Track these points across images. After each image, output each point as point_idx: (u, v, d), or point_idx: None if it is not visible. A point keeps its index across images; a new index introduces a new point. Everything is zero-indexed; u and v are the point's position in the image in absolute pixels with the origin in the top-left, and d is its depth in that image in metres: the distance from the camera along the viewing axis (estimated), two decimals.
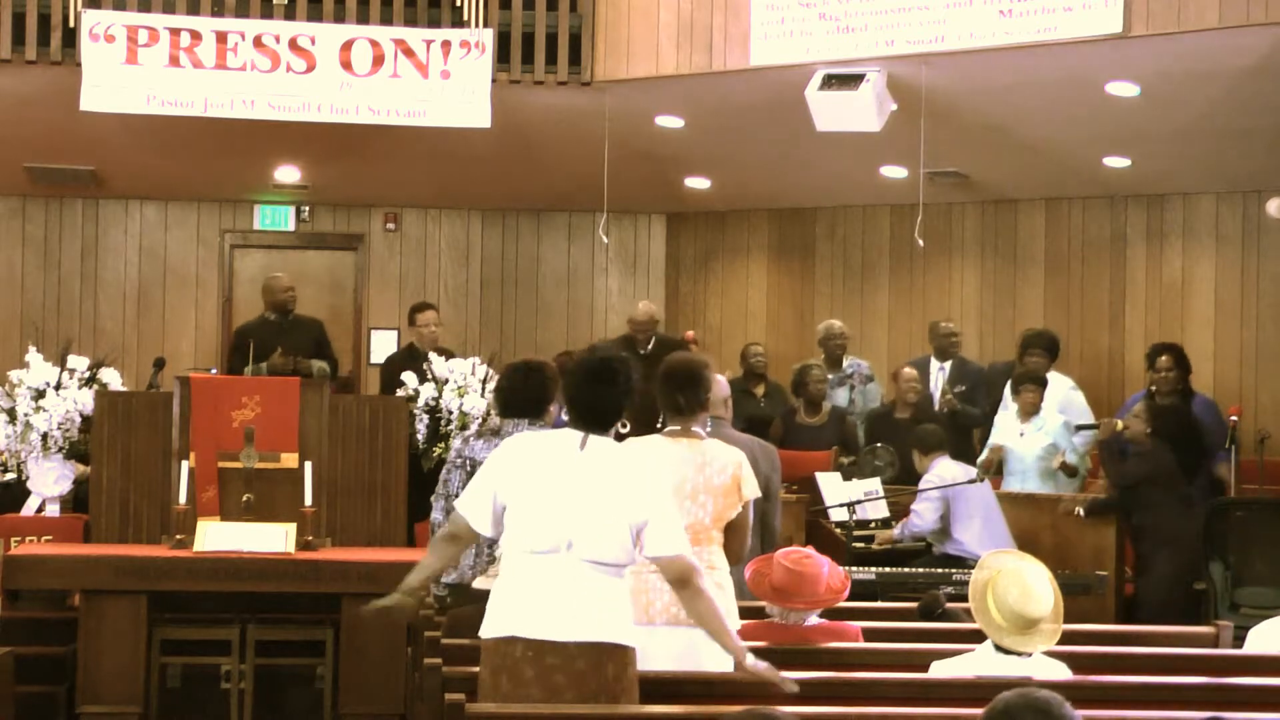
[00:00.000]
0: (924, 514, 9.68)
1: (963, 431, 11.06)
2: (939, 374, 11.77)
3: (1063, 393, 11.17)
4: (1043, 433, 10.66)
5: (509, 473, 5.02)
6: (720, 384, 7.43)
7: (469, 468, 6.73)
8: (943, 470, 9.68)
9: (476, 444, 6.80)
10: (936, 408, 11.33)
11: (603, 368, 5.11)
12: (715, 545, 5.87)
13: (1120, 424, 9.82)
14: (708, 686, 5.33)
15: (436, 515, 6.87)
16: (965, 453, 10.50)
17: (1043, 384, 10.76)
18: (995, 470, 10.70)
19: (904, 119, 10.20)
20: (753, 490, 5.94)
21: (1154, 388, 10.54)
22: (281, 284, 11.59)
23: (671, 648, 5.64)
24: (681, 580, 5.03)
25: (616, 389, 5.08)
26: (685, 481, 5.79)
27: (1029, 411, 10.65)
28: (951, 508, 9.61)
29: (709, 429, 6.73)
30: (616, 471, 5.03)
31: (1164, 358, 10.59)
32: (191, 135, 11.35)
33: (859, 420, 11.65)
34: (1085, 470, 10.79)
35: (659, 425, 6.12)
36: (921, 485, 9.73)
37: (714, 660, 5.67)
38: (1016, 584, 5.26)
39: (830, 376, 11.87)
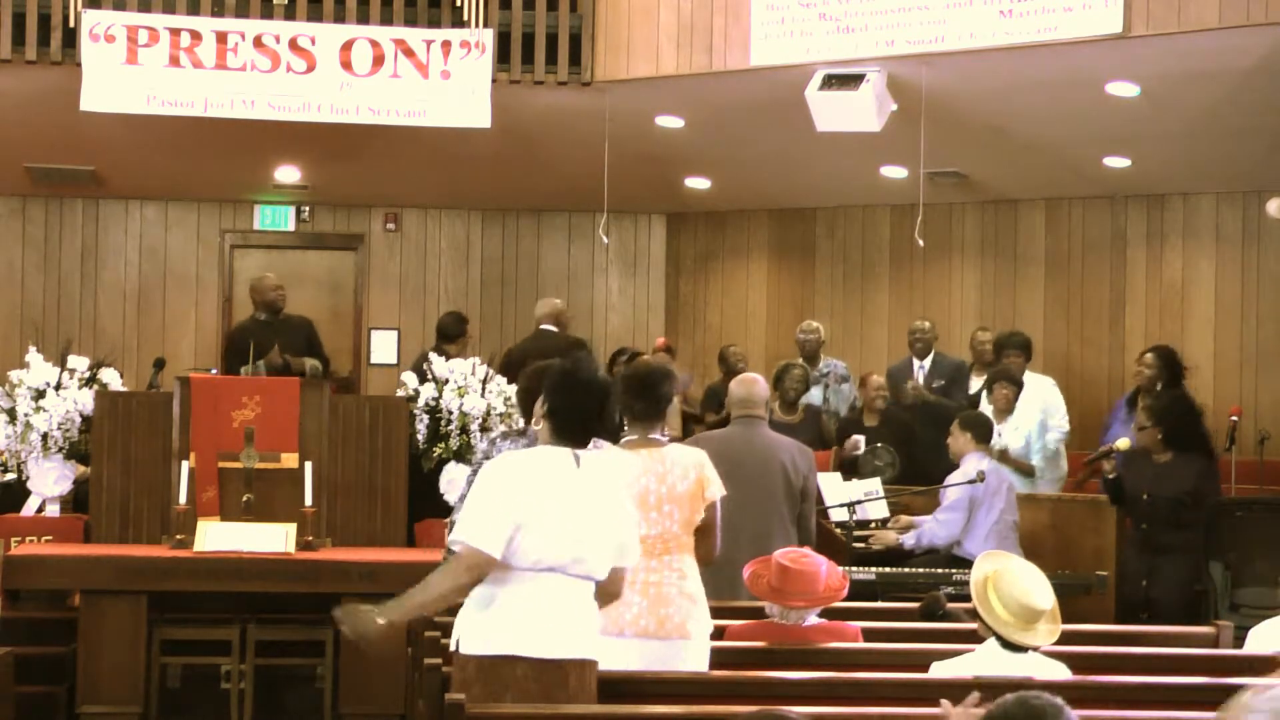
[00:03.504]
0: (948, 524, 9.40)
1: (938, 423, 10.75)
2: (919, 372, 11.77)
3: (1044, 392, 11.13)
4: (1019, 432, 10.63)
5: (521, 494, 4.89)
6: (763, 385, 7.45)
7: None
8: (971, 468, 9.46)
9: (504, 444, 6.75)
10: (909, 401, 11.31)
11: (590, 383, 5.04)
12: (687, 553, 5.84)
13: (1124, 444, 9.60)
14: (707, 687, 5.33)
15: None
16: (941, 445, 10.22)
17: (1017, 382, 10.72)
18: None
19: (904, 119, 10.20)
20: (717, 490, 5.90)
21: (1138, 386, 10.54)
22: (270, 283, 11.53)
23: (641, 659, 5.62)
24: (618, 593, 5.12)
25: (595, 403, 5.02)
26: (648, 493, 5.77)
27: (1003, 409, 10.62)
28: (972, 515, 9.45)
29: (759, 427, 6.73)
30: (608, 488, 5.02)
31: (1147, 355, 10.58)
32: (191, 135, 11.35)
33: (831, 420, 11.65)
34: (1049, 474, 10.72)
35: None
36: (949, 480, 9.54)
37: (697, 669, 5.68)
38: (1018, 578, 5.28)
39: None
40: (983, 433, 9.61)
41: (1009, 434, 10.63)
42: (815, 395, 11.90)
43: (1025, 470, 10.62)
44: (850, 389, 12.11)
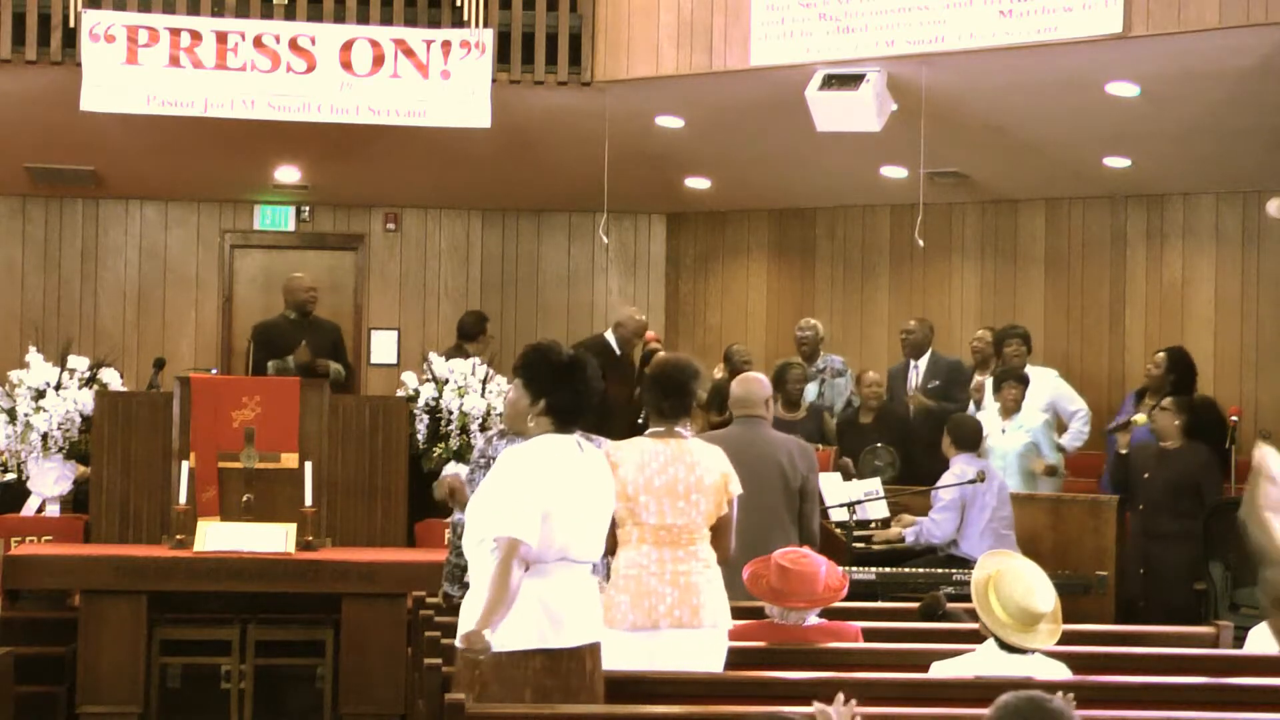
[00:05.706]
0: (943, 523, 9.51)
1: (935, 423, 10.59)
2: (914, 374, 11.73)
3: (1050, 384, 11.15)
4: (1023, 431, 10.62)
5: (550, 484, 4.94)
6: (762, 384, 7.45)
7: None
8: (960, 469, 9.55)
9: (500, 443, 6.77)
10: (912, 412, 11.28)
11: (572, 366, 5.11)
12: (706, 544, 5.89)
13: (1142, 419, 9.78)
14: (708, 687, 5.33)
15: (459, 515, 6.80)
16: (937, 443, 10.16)
17: (1024, 381, 10.72)
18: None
19: (904, 119, 10.20)
20: (736, 487, 5.96)
21: (1145, 384, 10.59)
22: (303, 284, 11.56)
23: (677, 650, 5.66)
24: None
25: (587, 386, 5.10)
26: (678, 482, 5.80)
27: (1010, 409, 10.61)
28: (965, 514, 9.51)
29: (760, 427, 6.80)
30: (606, 472, 5.21)
31: (1159, 355, 10.61)
32: (191, 135, 11.35)
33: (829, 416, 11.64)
34: (1064, 472, 10.77)
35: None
36: (941, 483, 9.59)
37: (719, 660, 5.70)
38: (1020, 580, 5.28)
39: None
40: (961, 437, 9.67)
41: (1013, 433, 10.60)
42: (810, 391, 11.86)
43: (1049, 472, 10.60)
44: (846, 383, 11.96)
